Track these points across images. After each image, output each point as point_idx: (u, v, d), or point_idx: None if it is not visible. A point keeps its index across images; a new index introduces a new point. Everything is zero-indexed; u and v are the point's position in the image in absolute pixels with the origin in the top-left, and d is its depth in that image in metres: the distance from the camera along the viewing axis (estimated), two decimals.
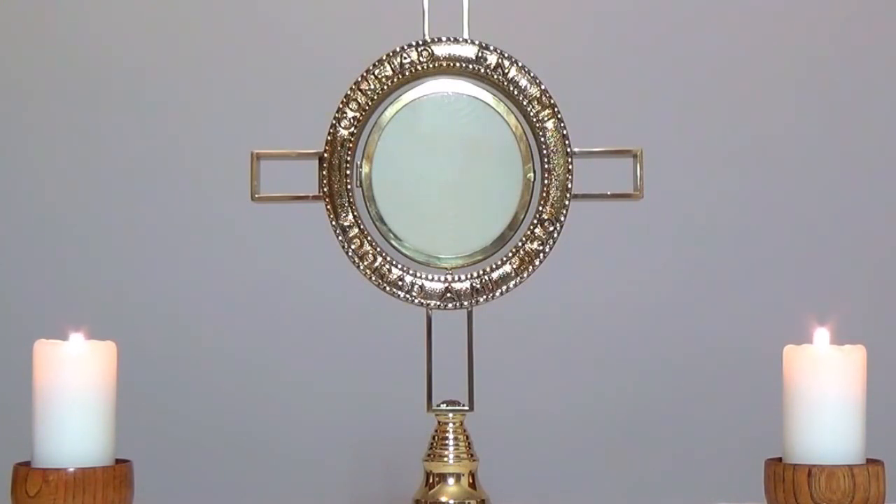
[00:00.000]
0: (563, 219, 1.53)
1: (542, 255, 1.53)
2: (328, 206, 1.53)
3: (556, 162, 1.53)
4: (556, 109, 1.53)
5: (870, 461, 1.45)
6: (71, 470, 1.40)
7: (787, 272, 2.22)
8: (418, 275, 1.54)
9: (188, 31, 2.23)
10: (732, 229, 2.23)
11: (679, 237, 2.23)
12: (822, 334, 1.47)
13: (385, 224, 1.54)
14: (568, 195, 1.53)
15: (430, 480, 1.55)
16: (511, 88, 1.53)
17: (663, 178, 1.98)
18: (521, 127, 1.54)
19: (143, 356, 2.12)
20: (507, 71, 1.54)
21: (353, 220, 1.53)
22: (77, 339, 1.44)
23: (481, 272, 1.54)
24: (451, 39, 1.54)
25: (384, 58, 1.54)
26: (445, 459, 1.54)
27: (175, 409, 2.20)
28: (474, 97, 1.55)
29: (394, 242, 1.54)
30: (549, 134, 1.53)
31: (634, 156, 1.55)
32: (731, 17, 2.23)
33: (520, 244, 1.53)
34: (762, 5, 2.24)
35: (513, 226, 1.55)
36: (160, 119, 2.23)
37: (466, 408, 1.55)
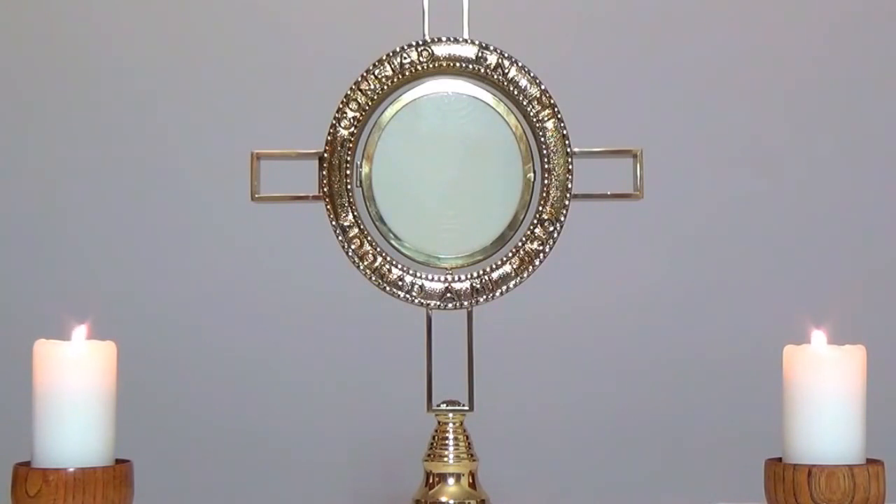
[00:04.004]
0: (563, 219, 1.53)
1: (542, 255, 1.53)
2: (328, 206, 1.53)
3: (556, 162, 1.53)
4: (556, 109, 1.53)
5: (870, 461, 1.45)
6: (71, 470, 1.40)
7: (787, 272, 2.22)
8: (418, 275, 1.54)
9: (188, 30, 2.23)
10: (732, 229, 2.23)
11: (679, 237, 2.23)
12: (819, 336, 1.47)
13: (385, 224, 1.54)
14: (568, 195, 1.53)
15: (430, 480, 1.55)
16: (511, 88, 1.54)
17: (663, 178, 1.98)
18: (521, 127, 1.54)
19: (143, 356, 2.12)
20: (507, 71, 1.54)
21: (353, 220, 1.53)
22: (77, 338, 1.44)
23: (481, 272, 1.54)
24: (451, 39, 1.54)
25: (384, 58, 1.54)
26: (445, 459, 1.54)
27: (175, 409, 2.20)
28: (474, 97, 1.55)
29: (394, 242, 1.54)
30: (549, 134, 1.53)
31: (634, 156, 1.55)
32: (732, 16, 2.23)
33: (520, 244, 1.53)
34: (763, 5, 2.23)
35: (513, 226, 1.55)
36: (160, 119, 2.23)
37: (466, 408, 1.55)
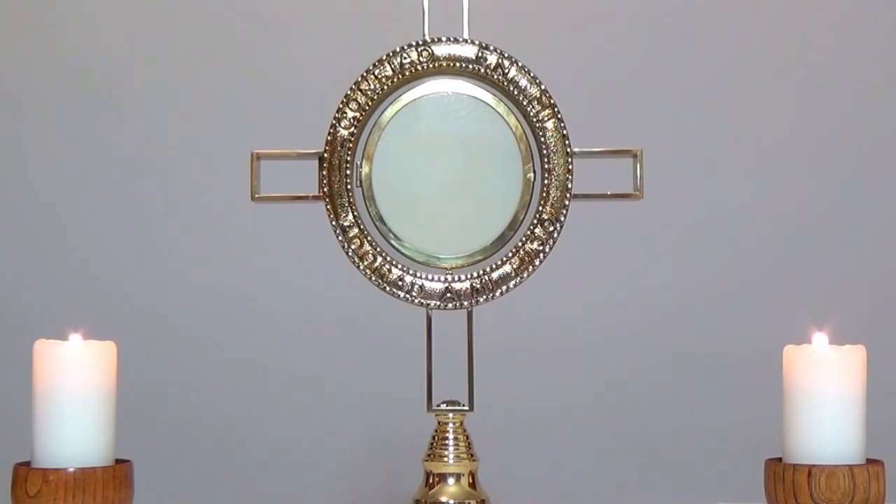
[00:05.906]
0: (563, 219, 1.53)
1: (542, 255, 1.53)
2: (328, 206, 1.53)
3: (556, 162, 1.53)
4: (556, 109, 1.53)
5: (870, 461, 1.45)
6: (71, 470, 1.40)
7: (787, 272, 2.22)
8: (418, 275, 1.54)
9: (188, 30, 2.23)
10: (732, 229, 2.23)
11: (679, 237, 2.23)
12: (820, 338, 1.47)
13: (385, 224, 1.54)
14: (568, 195, 1.53)
15: (430, 480, 1.55)
16: (511, 88, 1.54)
17: (663, 178, 1.98)
18: (521, 127, 1.54)
19: (143, 356, 2.12)
20: (507, 71, 1.54)
21: (353, 220, 1.53)
22: (77, 339, 1.44)
23: (481, 272, 1.54)
24: (451, 39, 1.54)
25: (384, 58, 1.54)
26: (445, 459, 1.54)
27: (175, 409, 2.20)
28: (474, 97, 1.55)
29: (394, 242, 1.54)
30: (549, 134, 1.53)
31: (634, 156, 1.55)
32: (733, 16, 2.23)
33: (520, 244, 1.53)
34: (763, 5, 2.23)
35: (513, 226, 1.55)
36: (160, 119, 2.23)
37: (466, 408, 1.55)
